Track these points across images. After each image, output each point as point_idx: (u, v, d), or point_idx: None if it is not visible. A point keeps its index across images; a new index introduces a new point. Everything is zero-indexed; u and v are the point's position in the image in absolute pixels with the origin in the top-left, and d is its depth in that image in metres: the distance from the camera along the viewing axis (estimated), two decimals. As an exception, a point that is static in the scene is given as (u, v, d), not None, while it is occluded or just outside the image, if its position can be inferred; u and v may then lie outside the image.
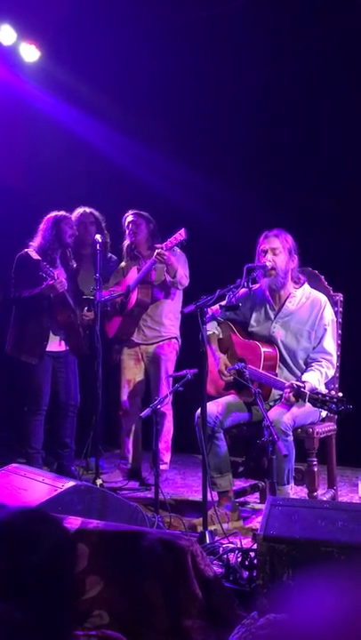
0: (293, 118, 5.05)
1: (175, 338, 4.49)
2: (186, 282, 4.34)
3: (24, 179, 5.68)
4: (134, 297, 4.37)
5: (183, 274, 4.31)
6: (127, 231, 4.50)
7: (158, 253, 4.07)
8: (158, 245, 4.12)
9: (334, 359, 3.54)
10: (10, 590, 0.82)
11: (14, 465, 3.25)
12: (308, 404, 3.15)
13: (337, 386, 3.71)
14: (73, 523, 2.48)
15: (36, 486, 2.95)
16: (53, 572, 0.87)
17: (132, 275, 4.44)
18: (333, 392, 3.48)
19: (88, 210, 4.70)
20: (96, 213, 4.71)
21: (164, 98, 5.57)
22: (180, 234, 3.98)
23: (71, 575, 0.94)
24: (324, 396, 2.98)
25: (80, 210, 4.70)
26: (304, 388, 3.13)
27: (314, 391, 3.10)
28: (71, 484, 2.90)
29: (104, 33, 5.59)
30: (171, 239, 4.06)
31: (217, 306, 3.59)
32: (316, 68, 4.93)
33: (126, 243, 4.55)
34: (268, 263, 3.51)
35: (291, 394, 3.17)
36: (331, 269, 3.93)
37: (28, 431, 4.36)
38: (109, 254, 4.74)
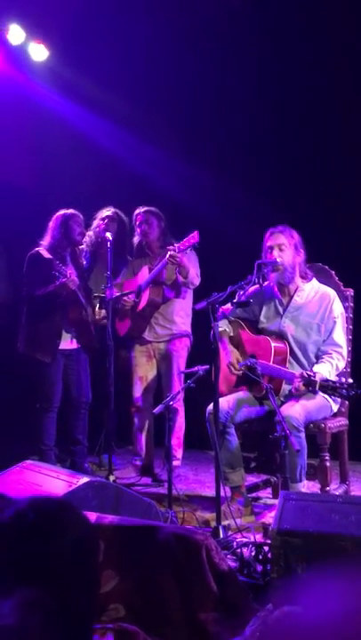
0: (303, 116, 5.04)
1: (187, 335, 4.50)
2: (197, 281, 4.35)
3: (33, 178, 5.70)
4: (146, 297, 4.38)
5: (195, 274, 4.31)
6: (138, 229, 4.51)
7: (171, 255, 4.06)
8: (171, 247, 4.10)
9: (344, 351, 3.55)
10: (37, 575, 0.84)
11: (29, 461, 3.28)
12: (319, 398, 3.16)
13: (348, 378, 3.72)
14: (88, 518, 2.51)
15: (50, 482, 2.98)
16: (80, 559, 0.89)
17: (144, 274, 4.46)
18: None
19: (113, 210, 4.70)
20: (121, 214, 4.69)
21: (174, 97, 5.57)
22: (193, 236, 3.97)
23: (96, 564, 0.96)
24: (334, 382, 3.00)
25: (106, 210, 4.70)
26: (314, 376, 3.15)
27: (324, 380, 3.11)
28: (85, 479, 2.93)
29: (113, 32, 5.59)
30: (184, 241, 4.04)
31: (228, 304, 3.61)
32: (325, 69, 4.92)
33: (136, 239, 4.56)
34: (278, 259, 3.53)
35: (301, 383, 3.19)
36: (341, 265, 3.94)
37: (40, 428, 4.40)
38: (128, 256, 4.73)
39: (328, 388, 3.00)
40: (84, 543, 0.91)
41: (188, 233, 4.04)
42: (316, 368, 3.37)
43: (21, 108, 5.66)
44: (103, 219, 4.68)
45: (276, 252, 3.54)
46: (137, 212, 4.50)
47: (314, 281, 3.66)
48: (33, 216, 4.76)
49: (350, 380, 3.03)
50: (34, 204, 5.28)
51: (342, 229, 4.77)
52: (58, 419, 4.45)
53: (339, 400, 3.50)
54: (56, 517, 0.93)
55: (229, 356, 3.70)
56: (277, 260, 3.53)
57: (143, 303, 4.40)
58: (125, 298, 4.44)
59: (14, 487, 2.96)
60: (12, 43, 5.40)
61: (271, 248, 3.56)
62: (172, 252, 4.06)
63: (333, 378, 3.40)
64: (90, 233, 4.66)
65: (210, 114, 5.47)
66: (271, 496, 3.96)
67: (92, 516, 2.54)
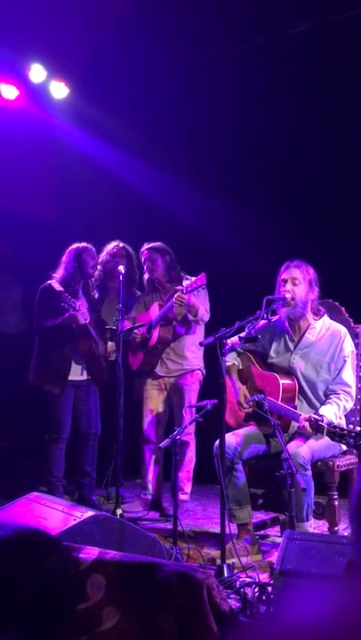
0: (319, 147, 5.09)
1: (199, 369, 4.51)
2: (207, 317, 4.36)
3: (50, 210, 5.82)
4: (156, 334, 4.41)
5: (205, 310, 4.33)
6: (144, 267, 4.56)
7: (178, 297, 4.09)
8: (178, 288, 4.13)
9: (353, 391, 3.52)
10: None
11: (35, 493, 3.28)
12: (326, 437, 3.13)
13: (358, 418, 3.69)
14: (90, 553, 2.50)
15: (55, 515, 2.98)
16: (50, 598, 0.89)
17: (154, 310, 4.49)
18: (353, 425, 3.47)
19: (121, 244, 4.78)
20: (129, 248, 4.78)
21: (189, 130, 5.69)
22: (200, 278, 3.98)
23: (73, 613, 0.95)
24: (342, 429, 2.97)
25: (114, 243, 4.78)
26: (322, 421, 3.12)
27: (331, 425, 3.08)
28: (90, 513, 2.92)
29: (130, 69, 5.75)
30: (190, 283, 4.04)
31: (236, 337, 3.62)
32: (340, 98, 4.99)
33: (146, 276, 4.62)
34: (287, 295, 3.53)
35: (307, 425, 3.16)
36: (351, 301, 3.93)
37: (49, 460, 4.40)
38: (135, 290, 4.80)
39: (336, 434, 2.97)
40: (58, 584, 0.92)
41: (199, 271, 4.07)
42: (322, 410, 3.34)
43: (41, 143, 5.82)
44: (112, 255, 4.74)
45: (288, 286, 3.54)
46: (142, 249, 4.57)
47: (325, 317, 3.65)
48: (49, 248, 4.85)
49: (358, 428, 2.99)
50: (51, 237, 5.38)
51: (353, 265, 4.78)
52: (67, 450, 4.46)
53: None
54: (39, 552, 0.93)
55: (238, 392, 3.70)
56: (286, 295, 3.53)
57: (154, 340, 4.43)
58: (136, 331, 4.48)
59: (18, 519, 2.96)
60: (34, 81, 5.57)
61: (285, 281, 3.56)
62: (178, 294, 4.08)
63: (341, 419, 3.37)
64: (98, 266, 4.73)
65: (226, 145, 5.55)
66: (279, 534, 3.90)
67: (95, 552, 2.53)
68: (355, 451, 3.57)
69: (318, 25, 5.05)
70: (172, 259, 4.53)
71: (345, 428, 3.03)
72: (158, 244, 4.54)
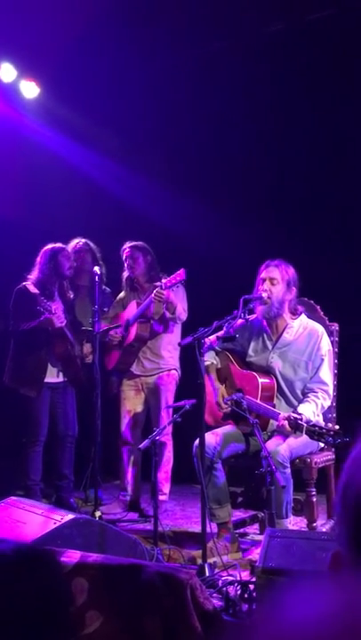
0: (296, 150, 5.13)
1: (175, 369, 4.51)
2: (185, 316, 4.37)
3: (23, 211, 5.76)
4: (133, 332, 4.40)
5: (182, 309, 4.34)
6: (125, 264, 4.55)
7: (157, 292, 4.09)
8: (157, 284, 4.13)
9: (331, 389, 3.56)
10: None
11: (13, 498, 3.24)
12: (305, 436, 3.16)
13: (334, 415, 3.73)
14: (72, 557, 2.48)
15: (34, 519, 2.95)
16: (47, 607, 0.89)
17: (132, 308, 4.48)
18: (330, 423, 3.50)
19: (83, 240, 4.76)
20: (91, 244, 4.76)
21: (164, 130, 5.67)
22: (180, 274, 4.00)
23: (63, 622, 0.95)
24: (321, 428, 3.00)
25: (76, 240, 4.75)
26: (301, 419, 3.15)
27: (310, 423, 3.11)
28: (70, 517, 2.90)
29: (102, 69, 5.72)
30: (170, 278, 4.06)
31: (214, 336, 3.63)
32: (320, 106, 5.03)
33: (125, 274, 4.59)
34: (263, 294, 3.55)
35: (286, 424, 3.18)
36: (327, 299, 3.98)
37: (26, 463, 4.36)
38: (104, 286, 4.78)
39: (315, 433, 3.00)
40: (50, 600, 0.91)
41: (175, 270, 4.07)
42: (300, 409, 3.37)
43: (12, 144, 5.75)
44: (77, 251, 4.72)
45: (266, 285, 3.56)
46: (124, 247, 4.55)
47: (303, 316, 3.68)
48: (23, 249, 4.80)
49: (337, 427, 3.03)
50: (24, 238, 5.33)
51: (328, 264, 4.83)
52: (44, 453, 4.42)
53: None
54: (36, 568, 0.93)
55: (216, 392, 3.71)
56: (263, 294, 3.55)
57: (131, 338, 4.42)
58: (112, 332, 4.46)
59: (-2, 525, 2.93)
60: (4, 80, 5.51)
61: (263, 280, 3.58)
62: (157, 290, 4.08)
63: (319, 417, 3.41)
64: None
65: (201, 146, 5.56)
66: (258, 532, 3.93)
67: (76, 555, 2.51)
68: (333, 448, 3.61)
69: (291, 25, 5.09)
70: (152, 259, 4.52)
71: (324, 426, 3.06)
72: (141, 243, 4.53)
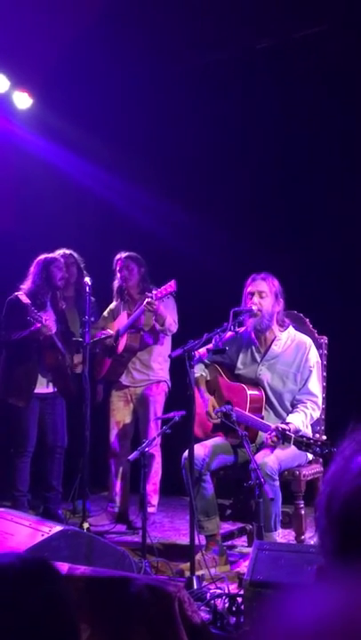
0: (285, 161, 5.17)
1: (164, 380, 4.51)
2: (175, 328, 4.38)
3: (17, 221, 5.76)
4: (123, 342, 4.41)
5: (172, 321, 4.34)
6: (118, 274, 4.55)
7: (148, 303, 4.09)
8: (148, 295, 4.13)
9: (320, 400, 3.58)
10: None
11: (0, 509, 3.23)
12: (293, 447, 3.17)
13: (323, 427, 3.75)
14: (60, 569, 2.47)
15: (22, 531, 2.94)
16: (52, 617, 0.89)
17: (122, 319, 4.49)
18: (318, 434, 3.52)
19: (68, 252, 4.72)
20: (76, 255, 4.75)
21: (156, 140, 5.71)
22: (170, 285, 4.01)
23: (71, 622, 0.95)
24: (308, 439, 3.02)
25: (60, 251, 4.72)
26: (290, 430, 3.16)
27: (298, 433, 3.13)
28: (58, 528, 2.90)
29: (95, 79, 5.76)
30: (161, 289, 4.07)
31: (204, 349, 3.64)
32: (307, 111, 5.09)
33: (117, 283, 4.59)
34: (253, 307, 3.57)
35: (274, 435, 3.20)
36: (316, 312, 4.00)
37: (14, 474, 4.34)
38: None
39: (303, 444, 3.02)
40: (57, 600, 0.91)
41: (165, 280, 4.09)
42: (289, 418, 3.39)
43: (4, 154, 5.76)
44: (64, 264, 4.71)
45: (256, 299, 3.58)
46: (118, 257, 4.54)
47: (290, 328, 3.70)
48: (16, 259, 4.79)
49: (324, 437, 3.05)
50: (17, 247, 5.33)
51: (317, 277, 4.87)
52: (32, 464, 4.40)
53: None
54: (43, 581, 0.93)
55: (206, 404, 3.72)
56: (253, 307, 3.58)
57: (121, 348, 4.42)
58: (106, 342, 4.47)
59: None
60: (-3, 91, 5.52)
61: (252, 294, 3.60)
62: (148, 300, 4.08)
63: (308, 428, 3.43)
64: None
65: (194, 156, 5.59)
66: (247, 544, 3.92)
67: (64, 567, 2.51)
68: (320, 460, 3.62)
69: (281, 41, 5.16)
70: (145, 271, 4.53)
71: (311, 437, 3.08)
72: (135, 254, 4.53)
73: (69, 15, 5.20)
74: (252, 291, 3.60)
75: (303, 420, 3.41)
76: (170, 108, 5.60)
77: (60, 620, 0.87)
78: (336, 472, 0.74)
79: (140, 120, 5.75)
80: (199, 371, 3.74)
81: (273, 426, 3.27)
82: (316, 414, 3.54)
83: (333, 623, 0.54)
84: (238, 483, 3.52)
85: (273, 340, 3.66)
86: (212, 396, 3.77)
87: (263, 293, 3.59)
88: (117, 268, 4.54)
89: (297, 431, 3.19)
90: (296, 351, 3.61)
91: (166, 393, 4.52)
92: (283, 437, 3.16)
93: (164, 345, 4.47)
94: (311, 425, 3.54)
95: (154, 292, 4.10)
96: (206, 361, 3.79)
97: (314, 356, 3.62)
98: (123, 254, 4.53)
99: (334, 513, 0.72)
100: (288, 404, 3.57)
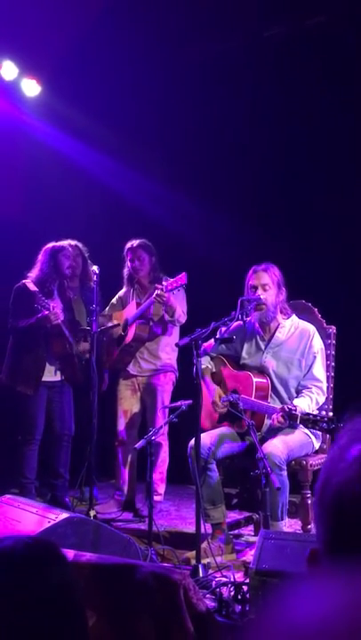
0: (296, 152, 5.13)
1: (172, 370, 4.50)
2: (184, 319, 4.35)
3: (25, 209, 5.76)
4: (132, 332, 4.40)
5: (181, 312, 4.32)
6: (129, 263, 4.51)
7: (158, 294, 4.06)
8: (158, 286, 4.09)
9: (324, 386, 3.58)
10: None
11: (8, 496, 3.25)
12: (301, 434, 3.17)
13: (331, 407, 3.74)
14: (66, 555, 2.48)
15: (29, 518, 2.95)
16: (62, 603, 0.89)
17: (131, 308, 4.47)
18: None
19: (73, 242, 4.69)
20: (81, 246, 4.72)
21: (165, 129, 5.68)
22: (181, 277, 3.97)
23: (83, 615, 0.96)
24: (315, 416, 3.02)
25: (66, 242, 4.70)
26: (295, 410, 3.16)
27: (304, 413, 3.13)
28: (65, 515, 2.91)
29: (103, 67, 5.72)
30: (171, 281, 4.03)
31: (211, 341, 3.63)
32: (315, 101, 5.04)
33: (127, 271, 4.55)
34: (262, 296, 3.56)
35: (281, 416, 3.20)
36: (324, 302, 3.98)
37: (21, 461, 4.36)
38: (92, 284, 4.74)
39: (309, 421, 3.02)
40: (65, 582, 0.92)
41: (174, 270, 4.06)
42: (296, 402, 3.40)
43: (13, 142, 5.75)
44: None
45: (260, 292, 3.57)
46: (129, 245, 4.48)
47: (293, 317, 3.70)
48: (24, 247, 4.79)
49: (331, 414, 3.05)
50: (25, 235, 5.33)
51: (326, 267, 4.84)
52: (39, 451, 4.42)
53: (320, 436, 3.52)
54: (47, 564, 0.93)
55: (212, 394, 3.71)
56: (261, 297, 3.56)
57: (129, 338, 4.41)
58: (113, 331, 4.47)
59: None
60: (5, 78, 5.51)
61: (255, 287, 3.58)
62: (159, 292, 4.06)
63: (314, 412, 3.42)
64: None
65: (201, 145, 5.55)
66: (253, 533, 3.92)
67: (70, 554, 2.51)
68: (325, 446, 3.62)
69: (291, 29, 5.10)
70: (156, 260, 4.50)
71: (318, 414, 3.08)
72: (146, 242, 4.47)
73: (78, 2, 5.17)
74: (255, 284, 3.58)
75: (309, 403, 3.42)
76: (178, 97, 5.56)
77: (68, 601, 0.87)
78: (331, 461, 0.74)
79: (148, 108, 5.71)
80: (205, 363, 3.73)
81: (279, 407, 3.27)
82: (322, 399, 3.54)
83: (337, 622, 0.53)
84: (244, 472, 3.52)
85: (277, 328, 3.66)
86: (218, 387, 3.76)
87: (266, 285, 3.57)
88: (128, 258, 4.50)
89: (302, 412, 3.18)
90: (300, 338, 3.61)
91: (174, 382, 4.51)
92: (289, 417, 3.15)
93: (172, 335, 4.46)
94: (318, 409, 3.54)
95: (164, 282, 4.07)
96: (212, 353, 3.78)
97: (318, 343, 3.61)
98: (134, 242, 4.46)
99: (327, 502, 0.71)
100: (293, 391, 3.58)
